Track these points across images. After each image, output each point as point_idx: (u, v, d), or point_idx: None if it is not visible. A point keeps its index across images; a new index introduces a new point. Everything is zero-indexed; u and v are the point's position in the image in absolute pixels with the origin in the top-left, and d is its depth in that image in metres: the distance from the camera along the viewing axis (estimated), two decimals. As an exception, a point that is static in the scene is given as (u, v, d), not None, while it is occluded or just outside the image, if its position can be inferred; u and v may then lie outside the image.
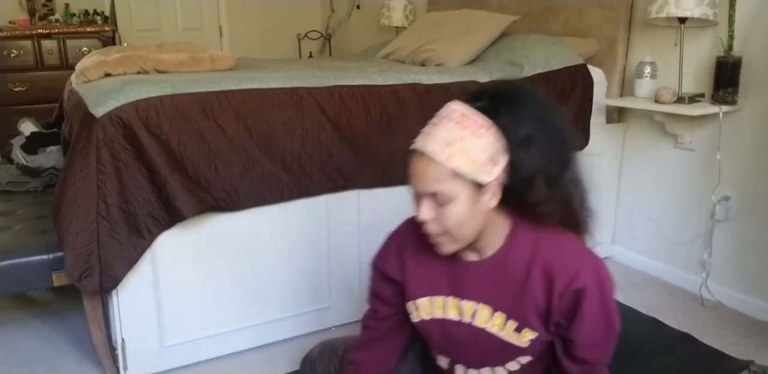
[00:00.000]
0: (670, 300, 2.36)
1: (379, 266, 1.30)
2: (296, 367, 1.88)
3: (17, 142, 2.50)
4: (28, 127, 2.62)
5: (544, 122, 1.10)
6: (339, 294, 2.11)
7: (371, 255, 2.10)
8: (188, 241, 1.81)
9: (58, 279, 1.73)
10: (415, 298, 1.24)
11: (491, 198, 1.09)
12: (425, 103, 2.07)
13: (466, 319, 1.19)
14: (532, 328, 1.14)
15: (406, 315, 1.29)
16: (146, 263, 1.76)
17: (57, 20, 4.02)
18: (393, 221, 2.18)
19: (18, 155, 2.44)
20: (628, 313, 2.19)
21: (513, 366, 1.22)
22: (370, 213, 2.08)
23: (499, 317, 1.16)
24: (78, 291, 1.73)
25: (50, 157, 2.41)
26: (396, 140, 2.02)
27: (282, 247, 1.97)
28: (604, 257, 2.68)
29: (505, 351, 1.19)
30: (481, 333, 1.18)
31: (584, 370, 1.18)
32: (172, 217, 1.72)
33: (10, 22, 3.91)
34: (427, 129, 1.10)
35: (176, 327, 1.86)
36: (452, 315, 1.20)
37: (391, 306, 1.31)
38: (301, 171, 1.88)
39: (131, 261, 1.69)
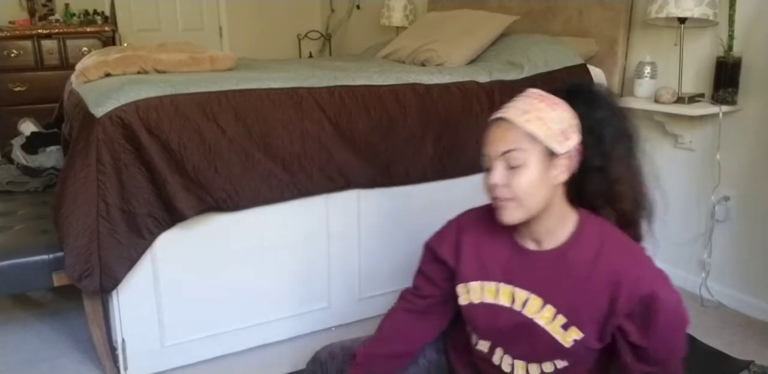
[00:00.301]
0: (670, 300, 2.36)
1: (432, 246, 1.32)
2: (296, 367, 1.88)
3: (17, 142, 2.50)
4: (28, 127, 2.62)
5: (618, 110, 1.22)
6: (339, 294, 2.11)
7: (371, 255, 2.12)
8: (188, 241, 1.81)
9: (58, 279, 1.73)
10: (466, 281, 1.25)
11: (561, 173, 1.14)
12: (425, 103, 2.07)
13: (517, 307, 1.20)
14: (580, 328, 1.14)
15: (446, 299, 1.31)
16: (146, 263, 1.76)
17: (57, 20, 4.02)
18: (393, 221, 2.19)
19: (18, 155, 2.44)
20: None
21: (548, 367, 1.22)
22: (370, 213, 2.08)
23: (549, 310, 1.17)
24: (78, 291, 1.73)
25: (50, 157, 2.41)
26: (396, 140, 2.02)
27: (282, 247, 1.97)
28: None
29: (546, 347, 1.18)
30: (529, 323, 1.18)
31: (658, 370, 1.17)
32: (172, 217, 1.72)
33: (10, 22, 3.91)
34: (505, 105, 1.18)
35: (176, 327, 1.87)
36: (503, 301, 1.21)
37: (435, 287, 1.33)
38: (301, 171, 1.88)
39: (131, 261, 1.70)
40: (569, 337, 1.15)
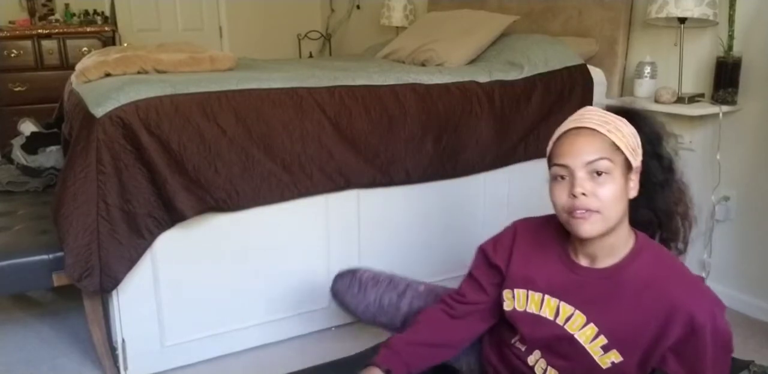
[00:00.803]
0: (670, 300, 2.36)
1: (486, 249, 1.31)
2: (296, 367, 1.88)
3: (17, 142, 2.50)
4: (28, 127, 2.62)
5: (662, 132, 1.26)
6: (339, 294, 2.11)
7: (371, 255, 2.12)
8: (188, 241, 1.81)
9: (58, 279, 1.73)
10: (513, 288, 1.25)
11: (633, 187, 1.15)
12: (425, 103, 2.07)
13: (560, 321, 1.18)
14: (621, 352, 1.12)
15: (490, 306, 1.30)
16: (146, 263, 1.76)
17: (57, 20, 4.02)
18: (393, 222, 2.19)
19: (18, 155, 2.44)
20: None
21: None
22: (370, 213, 2.08)
23: (592, 329, 1.14)
24: (78, 291, 1.73)
25: (50, 157, 2.41)
26: (396, 140, 2.02)
27: (282, 247, 1.97)
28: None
29: (582, 363, 1.16)
30: (570, 338, 1.17)
31: None
32: (173, 217, 1.72)
33: (10, 22, 3.91)
34: (572, 118, 1.18)
35: (176, 327, 1.87)
36: (547, 313, 1.20)
37: (482, 294, 1.31)
38: (301, 171, 1.88)
39: (131, 261, 1.70)
40: (608, 359, 1.13)
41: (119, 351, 1.81)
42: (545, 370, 1.22)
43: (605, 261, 1.15)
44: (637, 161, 1.15)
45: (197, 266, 1.85)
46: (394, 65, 2.55)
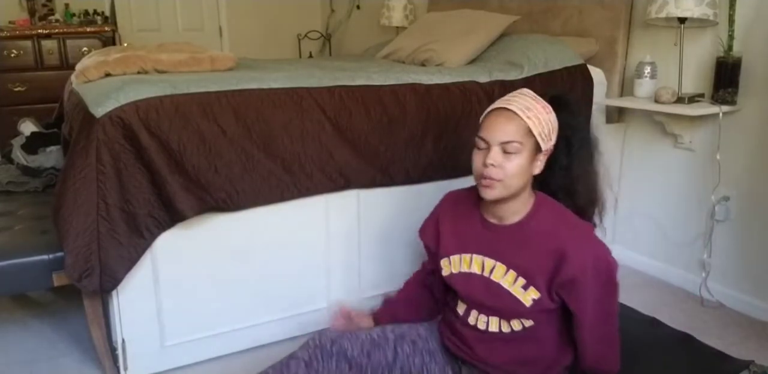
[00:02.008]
0: (670, 300, 2.36)
1: (420, 235, 1.60)
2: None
3: (17, 142, 2.51)
4: (28, 127, 2.62)
5: (587, 126, 1.53)
6: (338, 294, 2.11)
7: (371, 255, 2.12)
8: (188, 241, 1.81)
9: (58, 279, 1.73)
10: (449, 255, 1.48)
11: (538, 165, 1.38)
12: (425, 103, 2.07)
13: (486, 274, 1.42)
14: (537, 289, 1.36)
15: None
16: (146, 263, 1.76)
17: (57, 20, 4.02)
18: (393, 221, 2.19)
19: (18, 155, 2.44)
20: (627, 313, 2.19)
21: (516, 325, 1.42)
22: (370, 213, 2.08)
23: (511, 274, 1.38)
24: (78, 291, 1.73)
25: (50, 157, 2.41)
26: (396, 140, 2.02)
27: (282, 247, 1.97)
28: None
29: (511, 305, 1.39)
30: (496, 285, 1.40)
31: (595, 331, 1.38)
32: (173, 217, 1.72)
33: (10, 22, 3.91)
34: (506, 98, 1.40)
35: (176, 327, 1.87)
36: (475, 269, 1.44)
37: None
38: (301, 171, 1.88)
39: (131, 261, 1.70)
40: (528, 296, 1.37)
41: (119, 351, 1.81)
42: (487, 322, 1.45)
43: (511, 219, 1.41)
44: (547, 145, 1.37)
45: (197, 266, 1.85)
46: (394, 65, 2.55)
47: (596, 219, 1.53)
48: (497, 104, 1.39)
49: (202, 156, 1.73)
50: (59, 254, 1.69)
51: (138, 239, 1.69)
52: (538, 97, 1.40)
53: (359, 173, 1.98)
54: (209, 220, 1.82)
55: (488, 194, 1.36)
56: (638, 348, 1.96)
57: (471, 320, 1.47)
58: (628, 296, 2.31)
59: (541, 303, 1.36)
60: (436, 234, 1.53)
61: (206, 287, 1.88)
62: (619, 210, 2.69)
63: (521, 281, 1.37)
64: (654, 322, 2.14)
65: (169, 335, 1.86)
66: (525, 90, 1.42)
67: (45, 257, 1.72)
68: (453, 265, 1.48)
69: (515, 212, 1.40)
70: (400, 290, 1.72)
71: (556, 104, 1.43)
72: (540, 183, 1.45)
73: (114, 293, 1.74)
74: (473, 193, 1.46)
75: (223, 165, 1.76)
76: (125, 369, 1.83)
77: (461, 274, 1.46)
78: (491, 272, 1.41)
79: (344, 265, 2.10)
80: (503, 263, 1.40)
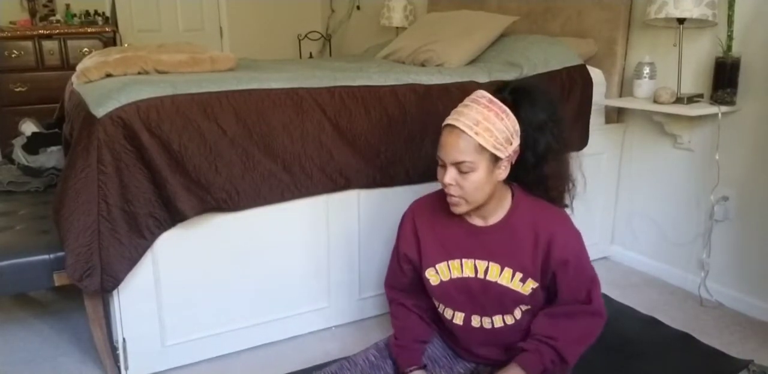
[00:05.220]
0: (669, 299, 2.37)
1: (399, 251, 1.56)
2: (296, 367, 1.89)
3: (18, 142, 2.51)
4: (29, 127, 2.62)
5: (553, 113, 1.42)
6: (338, 294, 2.12)
7: (371, 255, 2.12)
8: (189, 241, 1.81)
9: (59, 279, 1.73)
10: (434, 264, 1.47)
11: (502, 171, 1.38)
12: (425, 103, 2.08)
13: (480, 275, 1.43)
14: (534, 279, 1.41)
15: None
16: (147, 263, 1.76)
17: (58, 21, 4.03)
18: (393, 221, 2.18)
19: (19, 156, 2.44)
20: (627, 313, 2.20)
21: (517, 313, 1.47)
22: (370, 213, 2.08)
23: (507, 271, 1.41)
24: (79, 291, 1.74)
25: (51, 157, 2.41)
26: (396, 140, 2.03)
27: (282, 247, 1.97)
28: (602, 257, 2.69)
29: (512, 299, 1.43)
30: (493, 285, 1.43)
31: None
32: (173, 217, 1.72)
33: (11, 23, 3.92)
34: (458, 109, 1.37)
35: (177, 327, 1.87)
36: (468, 273, 1.44)
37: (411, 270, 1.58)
38: (302, 171, 1.89)
39: (132, 261, 1.70)
40: (528, 287, 1.42)
41: (120, 351, 1.82)
42: (492, 321, 1.47)
43: (494, 218, 1.43)
44: (507, 151, 1.35)
45: (198, 266, 1.85)
46: (394, 66, 2.56)
47: (567, 200, 1.56)
48: (448, 118, 1.37)
49: (202, 156, 1.73)
50: (60, 254, 1.70)
51: (139, 239, 1.70)
52: (494, 100, 1.36)
53: (359, 173, 1.99)
54: (210, 220, 1.82)
55: (456, 210, 1.39)
56: (638, 347, 1.97)
57: (475, 324, 1.50)
58: (627, 296, 2.33)
59: (538, 288, 1.43)
60: (417, 244, 1.51)
61: (206, 287, 1.88)
62: (619, 210, 2.70)
63: (518, 275, 1.41)
64: (653, 322, 2.15)
65: (169, 334, 1.87)
66: (479, 93, 1.38)
67: (46, 257, 1.72)
68: (442, 273, 1.47)
69: (495, 211, 1.43)
70: (400, 333, 1.59)
71: (518, 96, 1.39)
72: (514, 178, 1.46)
73: (115, 293, 1.75)
74: (442, 199, 1.44)
75: (224, 165, 1.76)
76: (126, 368, 1.83)
77: (454, 281, 1.46)
78: (486, 273, 1.43)
79: (344, 265, 2.10)
80: (496, 262, 1.42)
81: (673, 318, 2.19)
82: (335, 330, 2.13)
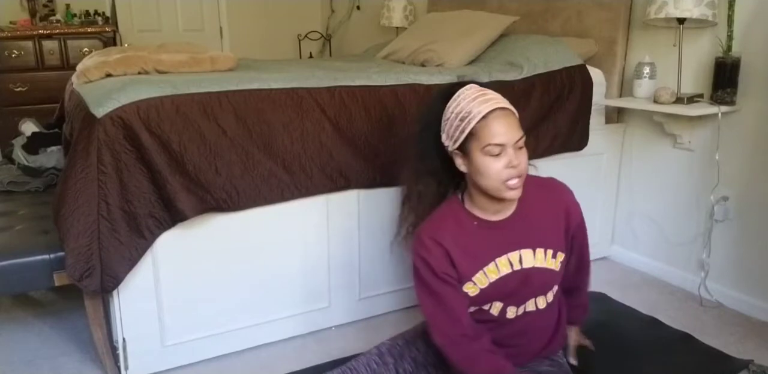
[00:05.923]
0: (669, 299, 2.37)
1: (443, 272, 1.40)
2: (296, 367, 1.89)
3: (18, 142, 2.51)
4: (29, 127, 2.63)
5: None
6: (339, 294, 2.12)
7: (371, 255, 2.12)
8: (189, 241, 1.81)
9: (59, 279, 1.74)
10: (471, 277, 1.42)
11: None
12: (425, 103, 2.08)
13: (516, 267, 1.42)
14: (562, 251, 1.46)
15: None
16: (147, 263, 1.76)
17: (58, 21, 4.03)
18: (393, 222, 2.18)
19: (19, 156, 2.44)
20: (627, 313, 2.19)
21: (549, 296, 1.49)
22: (370, 213, 2.08)
23: (540, 252, 1.43)
24: (79, 291, 1.74)
25: (51, 157, 2.41)
26: (396, 140, 2.03)
27: (282, 247, 1.97)
28: (602, 257, 2.70)
29: (549, 278, 1.46)
30: (531, 270, 1.43)
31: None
32: (173, 217, 1.72)
33: (11, 23, 3.92)
34: (484, 94, 1.38)
35: (177, 327, 1.87)
36: (504, 270, 1.42)
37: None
38: (302, 171, 1.89)
39: (132, 261, 1.70)
40: (558, 261, 1.45)
41: (120, 351, 1.82)
42: (524, 308, 1.47)
43: (510, 208, 1.43)
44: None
45: (198, 266, 1.85)
46: (393, 66, 2.56)
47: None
48: (485, 106, 1.34)
49: (202, 156, 1.73)
50: (60, 254, 1.70)
51: (139, 239, 1.70)
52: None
53: (359, 173, 1.99)
54: (210, 220, 1.82)
55: (516, 194, 1.36)
56: (638, 347, 1.96)
57: (510, 315, 1.47)
58: (627, 296, 2.32)
59: (564, 260, 1.47)
60: (452, 265, 1.41)
61: (206, 287, 1.88)
62: (619, 210, 2.70)
63: (549, 252, 1.44)
64: (653, 322, 2.15)
65: (169, 334, 1.87)
66: (472, 85, 1.42)
67: (46, 256, 1.72)
68: (479, 282, 1.42)
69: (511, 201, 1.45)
70: (484, 355, 1.45)
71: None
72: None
73: (115, 293, 1.75)
74: (450, 210, 1.43)
75: (224, 165, 1.76)
76: (126, 368, 1.83)
77: (494, 283, 1.42)
78: (521, 262, 1.42)
79: (344, 265, 2.10)
80: (527, 247, 1.43)
81: (673, 318, 2.19)
82: (335, 329, 2.13)
